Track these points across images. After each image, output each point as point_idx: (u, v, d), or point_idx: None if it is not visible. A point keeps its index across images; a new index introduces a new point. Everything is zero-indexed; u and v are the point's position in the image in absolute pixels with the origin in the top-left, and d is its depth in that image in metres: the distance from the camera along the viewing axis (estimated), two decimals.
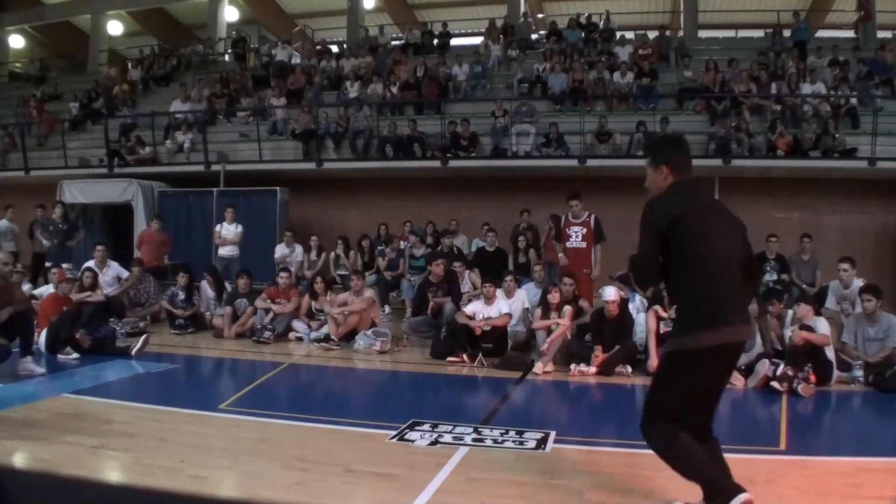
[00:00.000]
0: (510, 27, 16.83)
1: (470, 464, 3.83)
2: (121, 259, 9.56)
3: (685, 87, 13.35)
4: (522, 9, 18.24)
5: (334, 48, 18.54)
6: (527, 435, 4.36)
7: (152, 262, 10.14)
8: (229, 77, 16.23)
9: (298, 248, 10.51)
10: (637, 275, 3.06)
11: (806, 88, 12.50)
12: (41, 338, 6.90)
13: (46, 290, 8.16)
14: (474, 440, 4.25)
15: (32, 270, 10.51)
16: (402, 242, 10.45)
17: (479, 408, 5.55)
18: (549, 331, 6.79)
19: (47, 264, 9.84)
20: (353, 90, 14.76)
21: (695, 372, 2.80)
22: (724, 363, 2.89)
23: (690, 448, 2.81)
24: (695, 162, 3.17)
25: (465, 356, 6.90)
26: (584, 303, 7.39)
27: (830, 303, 7.18)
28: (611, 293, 6.64)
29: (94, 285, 8.10)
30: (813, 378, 5.61)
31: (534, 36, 17.58)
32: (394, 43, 17.95)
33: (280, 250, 10.46)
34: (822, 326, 5.98)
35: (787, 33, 15.17)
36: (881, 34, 15.24)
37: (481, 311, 7.17)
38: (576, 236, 8.13)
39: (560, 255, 8.27)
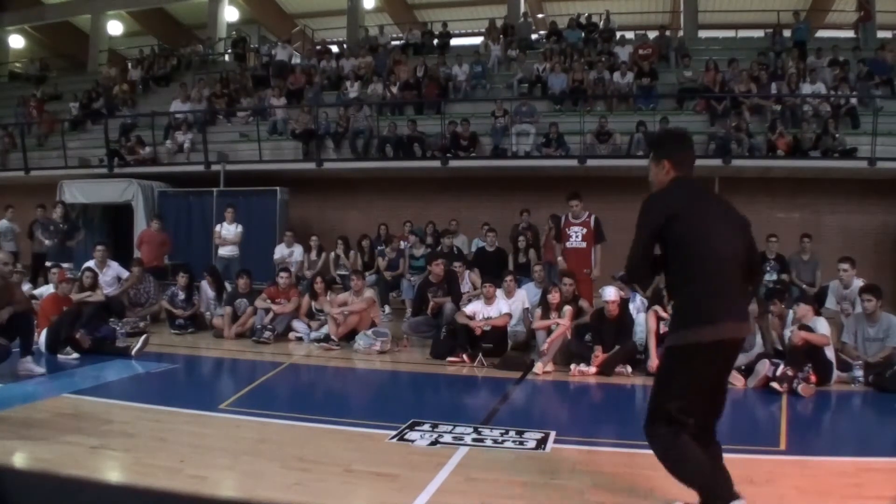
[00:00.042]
0: (510, 27, 16.83)
1: (470, 464, 3.83)
2: (121, 259, 9.56)
3: (685, 87, 13.35)
4: (522, 9, 18.25)
5: (334, 48, 18.54)
6: (527, 435, 4.36)
7: (152, 262, 10.14)
8: (229, 77, 16.23)
9: (298, 248, 10.51)
10: (630, 271, 3.02)
11: (806, 88, 12.51)
12: (41, 338, 6.90)
13: (46, 290, 8.16)
14: (474, 440, 4.25)
15: (32, 270, 10.51)
16: (402, 242, 10.45)
17: (479, 408, 5.55)
18: (549, 331, 6.79)
19: (48, 264, 9.83)
20: (353, 90, 14.76)
21: (693, 367, 2.78)
22: (723, 360, 2.87)
23: (691, 452, 2.79)
24: (695, 162, 3.15)
25: (465, 356, 6.90)
26: (584, 303, 7.39)
27: (830, 303, 7.18)
28: (611, 293, 6.64)
29: (94, 285, 8.10)
30: (813, 378, 5.61)
31: (534, 36, 17.58)
32: (394, 43, 17.95)
33: (279, 251, 10.46)
34: (822, 326, 5.98)
35: (787, 33, 15.18)
36: (881, 34, 15.24)
37: (481, 311, 7.17)
38: (576, 236, 8.13)
39: (559, 258, 8.27)
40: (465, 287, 8.51)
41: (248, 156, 13.56)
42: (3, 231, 11.11)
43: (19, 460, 3.92)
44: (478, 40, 18.03)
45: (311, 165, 12.78)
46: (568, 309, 6.93)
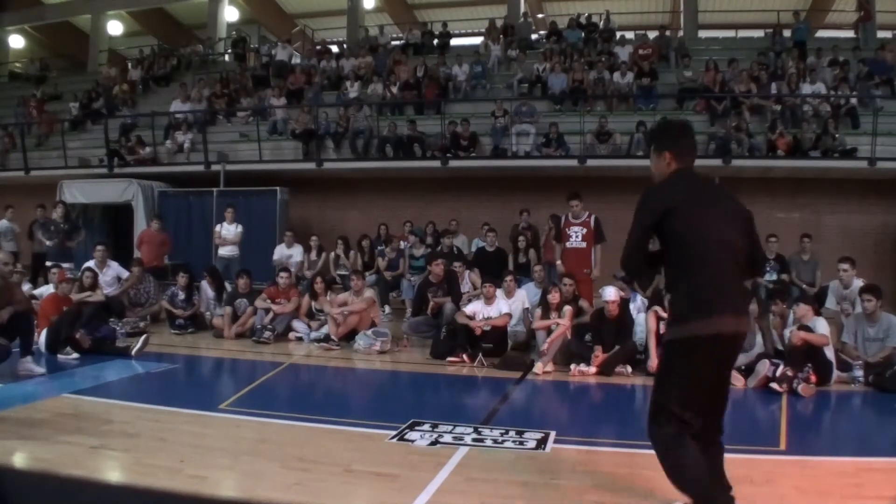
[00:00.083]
0: (510, 27, 16.83)
1: (470, 464, 3.83)
2: (121, 259, 9.56)
3: (685, 87, 13.35)
4: (522, 9, 18.25)
5: (334, 48, 18.54)
6: (527, 435, 4.36)
7: (152, 262, 10.14)
8: (229, 77, 16.23)
9: (298, 248, 10.51)
10: (625, 263, 2.97)
11: (806, 88, 12.51)
12: (41, 338, 6.90)
13: (46, 290, 8.16)
14: (474, 440, 4.25)
15: (32, 270, 10.50)
16: (402, 242, 10.45)
17: (479, 408, 5.55)
18: (549, 331, 6.79)
19: (48, 264, 9.83)
20: (353, 90, 14.76)
21: (690, 361, 2.74)
22: (721, 355, 2.81)
23: (692, 459, 2.74)
24: (695, 162, 3.12)
25: (465, 356, 6.90)
26: (584, 303, 7.39)
27: (830, 303, 7.18)
28: (611, 293, 6.64)
29: (94, 285, 8.10)
30: (813, 378, 5.61)
31: (534, 36, 17.58)
32: (394, 43, 17.95)
33: (278, 252, 10.46)
34: (822, 326, 5.98)
35: (787, 33, 15.18)
36: (881, 34, 15.24)
37: (481, 311, 7.17)
38: (576, 236, 8.13)
39: (557, 262, 8.27)
40: (465, 287, 8.51)
41: (248, 156, 13.57)
42: (3, 231, 11.10)
43: (19, 460, 3.92)
44: (478, 40, 18.03)
45: (311, 165, 12.78)
46: (568, 309, 6.93)
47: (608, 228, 8.09)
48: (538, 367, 6.47)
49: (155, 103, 15.84)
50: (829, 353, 5.93)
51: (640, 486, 3.43)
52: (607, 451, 4.22)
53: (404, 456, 3.97)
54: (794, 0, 17.86)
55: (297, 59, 17.14)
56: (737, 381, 5.69)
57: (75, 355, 6.86)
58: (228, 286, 9.22)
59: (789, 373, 5.63)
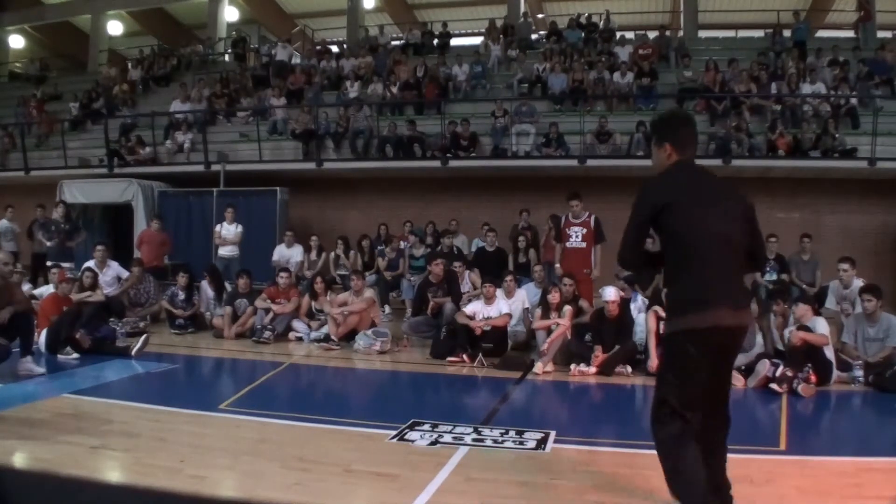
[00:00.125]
0: (510, 27, 16.83)
1: (470, 464, 3.83)
2: (121, 259, 9.56)
3: (685, 87, 13.35)
4: (522, 9, 18.24)
5: (334, 48, 18.54)
6: (527, 435, 4.36)
7: (152, 262, 10.14)
8: (229, 77, 16.23)
9: (298, 248, 10.51)
10: (621, 257, 2.93)
11: (806, 88, 12.50)
12: (41, 338, 6.90)
13: (46, 290, 8.16)
14: (474, 440, 4.25)
15: (32, 270, 10.51)
16: (401, 242, 10.45)
17: (479, 408, 5.55)
18: (549, 331, 6.79)
19: (48, 264, 9.83)
20: (353, 90, 14.76)
21: (689, 354, 2.70)
22: (719, 347, 2.75)
23: (691, 467, 2.69)
24: (697, 144, 3.08)
25: (465, 356, 6.90)
26: (584, 303, 7.39)
27: (830, 303, 7.18)
28: (611, 293, 6.64)
29: (94, 285, 8.10)
30: (813, 378, 5.61)
31: (534, 36, 17.57)
32: (394, 43, 17.95)
33: (277, 253, 10.45)
34: (821, 326, 5.98)
35: (787, 33, 15.17)
36: (881, 34, 15.24)
37: (481, 311, 7.17)
38: (576, 236, 8.13)
39: (556, 265, 8.27)
40: (465, 287, 8.51)
41: (248, 156, 13.57)
42: (3, 231, 11.10)
43: (19, 460, 3.92)
44: (478, 40, 18.03)
45: (311, 165, 12.78)
46: (568, 309, 6.93)
47: (608, 228, 8.08)
48: (538, 367, 6.47)
49: (155, 103, 15.84)
50: (829, 353, 5.93)
51: (640, 486, 3.43)
52: (607, 451, 4.22)
53: (404, 456, 3.97)
54: (794, 0, 17.86)
55: (297, 59, 17.13)
56: (737, 381, 5.69)
57: (75, 355, 6.86)
58: (228, 286, 9.22)
59: (789, 373, 5.63)
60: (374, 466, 3.77)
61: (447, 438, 4.27)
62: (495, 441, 4.25)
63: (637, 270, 2.84)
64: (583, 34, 15.99)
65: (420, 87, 14.35)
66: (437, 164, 12.19)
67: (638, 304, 7.15)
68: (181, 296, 8.81)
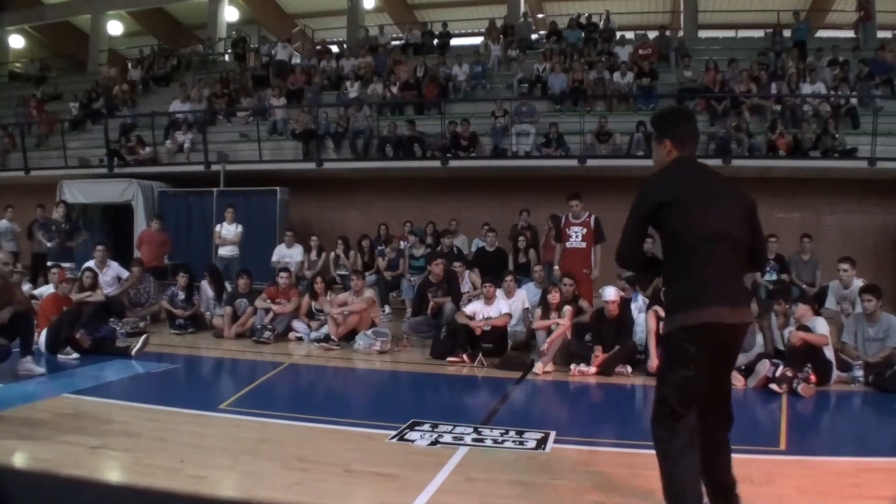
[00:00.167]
0: (510, 27, 16.83)
1: (470, 464, 3.83)
2: (121, 259, 9.56)
3: (685, 87, 13.35)
4: (522, 9, 18.25)
5: (334, 48, 18.54)
6: (527, 435, 4.36)
7: (152, 262, 10.14)
8: (229, 77, 16.23)
9: (298, 248, 10.51)
10: (619, 255, 2.89)
11: (806, 88, 12.51)
12: (41, 338, 6.90)
13: (46, 290, 8.15)
14: (474, 440, 4.25)
15: (32, 270, 10.51)
16: (401, 242, 10.45)
17: (479, 408, 5.55)
18: (549, 331, 6.79)
19: (49, 264, 9.84)
20: (353, 90, 14.76)
21: (686, 352, 2.67)
22: (718, 345, 2.71)
23: (688, 475, 2.66)
24: (698, 140, 3.06)
25: (465, 356, 6.90)
26: (583, 303, 7.39)
27: (830, 303, 7.18)
28: (611, 293, 6.64)
29: (94, 285, 8.10)
30: (812, 378, 5.61)
31: (534, 36, 17.58)
32: (394, 43, 17.95)
33: (277, 253, 10.45)
34: (821, 326, 5.98)
35: (787, 33, 15.18)
36: (881, 34, 15.24)
37: (481, 311, 7.17)
38: (576, 236, 8.13)
39: (555, 267, 8.27)
40: (465, 287, 8.51)
41: (248, 156, 13.57)
42: (3, 231, 11.11)
43: (19, 460, 3.92)
44: (478, 40, 18.03)
45: (311, 165, 12.78)
46: (568, 309, 6.94)
47: (608, 228, 8.08)
48: (538, 367, 6.47)
49: (155, 103, 15.84)
50: (829, 352, 5.93)
51: (640, 486, 3.43)
52: (607, 451, 4.22)
53: (404, 456, 3.97)
54: (794, 0, 17.86)
55: (297, 59, 17.13)
56: (737, 381, 5.69)
57: (75, 355, 6.86)
58: (228, 286, 9.22)
59: (789, 373, 5.63)
60: (374, 466, 3.77)
61: (447, 438, 4.27)
62: (495, 441, 4.25)
63: (634, 270, 2.76)
64: (583, 34, 15.99)
65: (420, 87, 14.35)
66: (437, 164, 12.19)
67: (638, 303, 7.15)
68: (181, 296, 8.81)
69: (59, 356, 6.87)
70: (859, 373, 5.94)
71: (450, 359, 6.97)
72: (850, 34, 16.35)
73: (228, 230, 10.64)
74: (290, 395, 6.11)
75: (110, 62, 19.40)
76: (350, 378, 6.89)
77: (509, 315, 7.17)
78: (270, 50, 17.57)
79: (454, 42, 18.08)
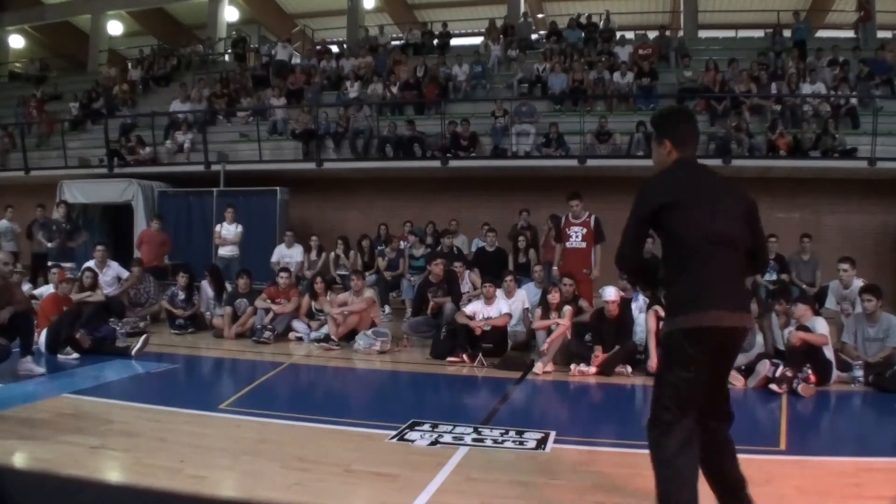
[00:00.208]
0: (510, 27, 16.83)
1: (470, 464, 3.83)
2: (121, 259, 9.56)
3: (685, 87, 13.35)
4: (522, 9, 18.25)
5: (334, 48, 18.54)
6: (527, 435, 4.36)
7: (152, 262, 10.14)
8: (229, 77, 16.23)
9: (298, 249, 10.51)
10: (619, 258, 2.86)
11: (806, 88, 12.51)
12: (41, 338, 6.90)
13: (46, 290, 8.15)
14: (474, 440, 4.25)
15: (32, 270, 10.51)
16: (401, 242, 10.45)
17: (479, 408, 5.55)
18: (549, 331, 6.79)
19: (49, 264, 9.84)
20: (353, 90, 14.76)
21: (685, 354, 2.64)
22: (717, 348, 2.68)
23: (681, 475, 2.61)
24: (698, 141, 3.04)
25: (465, 356, 6.90)
26: (583, 303, 7.39)
27: (830, 303, 7.18)
28: (611, 293, 6.64)
29: (94, 285, 8.10)
30: (812, 378, 5.61)
31: (534, 36, 17.58)
32: (394, 43, 17.95)
33: (277, 253, 10.45)
34: (821, 326, 5.98)
35: (787, 33, 15.18)
36: (881, 34, 15.24)
37: (481, 311, 7.17)
38: (576, 236, 8.13)
39: (554, 268, 8.27)
40: (465, 287, 8.51)
41: (248, 156, 13.57)
42: (3, 231, 11.11)
43: (19, 460, 3.92)
44: (478, 40, 18.03)
45: (311, 165, 12.78)
46: (568, 309, 6.94)
47: (608, 228, 8.08)
48: (538, 367, 6.47)
49: (155, 103, 15.84)
50: (829, 352, 5.93)
51: (640, 486, 3.42)
52: (607, 451, 4.22)
53: (404, 456, 3.97)
54: (794, 0, 17.86)
55: (297, 59, 17.14)
56: (737, 381, 5.70)
57: (75, 355, 6.86)
58: (228, 286, 9.21)
59: (789, 373, 5.63)
60: (374, 466, 3.77)
61: (447, 438, 4.27)
62: (495, 441, 4.25)
63: (634, 273, 2.70)
64: (583, 34, 15.99)
65: (420, 87, 14.35)
66: (437, 164, 12.19)
67: (639, 303, 7.14)
68: (181, 296, 8.81)
69: (59, 356, 6.87)
70: (859, 373, 5.94)
71: (450, 359, 6.97)
72: (850, 34, 16.35)
73: (228, 230, 10.64)
74: (290, 395, 6.11)
75: (110, 62, 19.40)
76: (350, 378, 6.89)
77: (509, 315, 7.17)
78: (270, 50, 17.57)
79: (454, 42, 18.08)
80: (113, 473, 3.82)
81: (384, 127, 13.18)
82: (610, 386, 6.19)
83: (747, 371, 5.92)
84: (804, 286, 8.91)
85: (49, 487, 3.49)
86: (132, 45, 21.20)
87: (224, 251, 10.61)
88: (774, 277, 8.96)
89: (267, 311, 8.22)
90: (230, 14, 20.66)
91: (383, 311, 9.40)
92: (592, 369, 6.40)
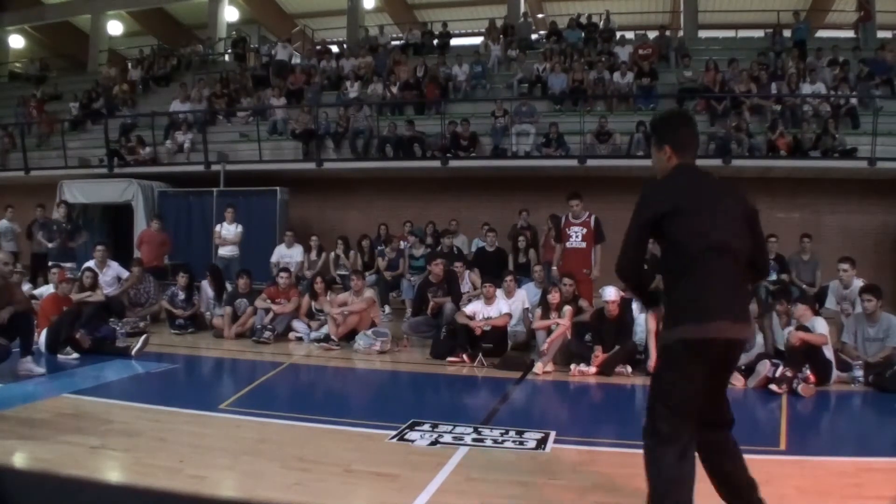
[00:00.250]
0: (510, 27, 16.83)
1: (470, 464, 3.83)
2: (121, 259, 9.56)
3: (685, 87, 13.35)
4: (522, 9, 18.24)
5: (334, 48, 18.54)
6: (527, 435, 4.36)
7: (152, 262, 10.14)
8: (229, 77, 16.23)
9: (298, 249, 10.51)
10: (620, 266, 2.80)
11: (806, 88, 12.51)
12: (41, 338, 6.90)
13: (46, 290, 8.15)
14: (474, 440, 4.25)
15: (32, 270, 10.51)
16: (401, 242, 10.45)
17: (479, 408, 5.55)
18: (549, 331, 6.79)
19: (49, 264, 9.84)
20: (353, 90, 14.76)
21: (683, 367, 2.61)
22: (716, 360, 2.65)
23: (674, 482, 2.57)
24: (699, 145, 3.02)
25: (465, 356, 6.90)
26: (583, 303, 7.39)
27: (830, 303, 7.18)
28: (611, 293, 6.64)
29: (94, 285, 8.10)
30: (811, 378, 5.61)
31: (534, 36, 17.58)
32: (394, 43, 17.95)
33: (277, 253, 10.45)
34: (820, 326, 5.98)
35: (787, 33, 15.18)
36: (881, 34, 15.24)
37: (481, 311, 7.17)
38: (576, 236, 8.12)
39: (553, 269, 8.27)
40: (465, 287, 8.51)
41: (248, 156, 13.57)
42: (3, 231, 11.11)
43: (19, 460, 3.92)
44: (478, 40, 18.03)
45: (311, 165, 12.78)
46: (568, 309, 6.94)
47: (608, 228, 8.08)
48: (538, 367, 6.47)
49: (155, 103, 15.84)
50: (829, 352, 5.94)
51: (640, 487, 3.39)
52: (607, 451, 4.22)
53: (404, 456, 3.97)
54: (794, 0, 17.86)
55: (297, 59, 17.13)
56: (737, 381, 5.70)
57: (75, 355, 6.86)
58: (228, 286, 9.21)
59: (789, 373, 5.63)
60: (374, 466, 3.77)
61: (447, 438, 4.27)
62: (495, 441, 4.25)
63: (635, 282, 2.67)
64: (583, 34, 15.99)
65: (420, 87, 14.35)
66: (437, 164, 12.19)
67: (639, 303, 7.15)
68: (181, 296, 8.81)
69: (59, 356, 6.87)
70: (859, 373, 5.94)
71: (450, 359, 6.97)
72: (850, 34, 16.35)
73: (228, 230, 10.64)
74: (290, 395, 6.11)
75: (110, 62, 19.40)
76: (350, 378, 6.89)
77: (509, 315, 7.17)
78: (270, 50, 17.57)
79: (454, 42, 18.08)
80: (113, 473, 3.82)
81: (384, 127, 13.18)
82: (610, 386, 6.19)
83: (747, 371, 5.92)
84: (804, 286, 8.91)
85: (49, 487, 3.49)
86: (132, 45, 21.20)
87: (224, 251, 10.61)
88: (774, 277, 8.95)
89: (267, 311, 8.22)
90: (230, 14, 20.66)
91: (383, 311, 9.40)
92: (592, 369, 6.40)
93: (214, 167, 13.03)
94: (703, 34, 17.63)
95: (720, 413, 2.81)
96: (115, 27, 21.69)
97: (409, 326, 8.17)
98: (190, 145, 13.70)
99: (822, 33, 17.99)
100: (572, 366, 6.48)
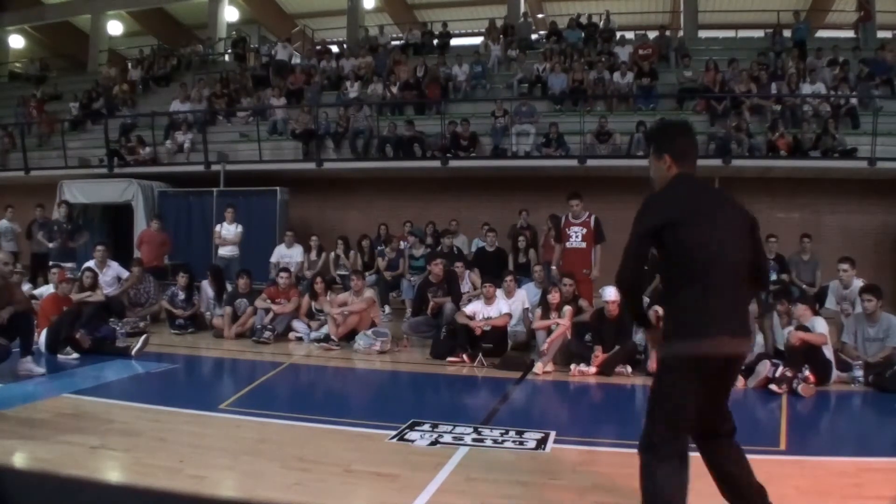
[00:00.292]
0: (510, 27, 16.83)
1: (470, 464, 3.83)
2: (121, 259, 9.56)
3: (685, 87, 13.35)
4: (522, 9, 18.25)
5: (334, 48, 18.54)
6: (527, 435, 4.37)
7: (152, 262, 10.14)
8: (229, 77, 16.23)
9: (298, 249, 10.51)
10: (621, 277, 2.75)
11: (806, 88, 12.51)
12: (41, 338, 6.90)
13: (46, 290, 8.15)
14: (474, 440, 4.26)
15: (32, 270, 10.51)
16: (401, 242, 10.45)
17: (479, 408, 5.55)
18: (549, 331, 6.79)
19: (50, 264, 9.84)
20: (353, 90, 14.76)
21: (682, 381, 2.57)
22: (715, 375, 2.62)
23: (667, 491, 2.54)
24: (698, 155, 2.97)
25: (465, 356, 6.91)
26: (583, 303, 7.39)
27: (830, 303, 7.18)
28: (611, 293, 6.63)
29: (94, 285, 8.10)
30: (811, 378, 5.61)
31: (534, 36, 17.58)
32: (394, 43, 17.95)
33: (277, 254, 10.45)
34: (820, 326, 5.98)
35: (787, 33, 15.18)
36: (881, 34, 15.24)
37: (481, 311, 7.17)
38: (576, 236, 8.12)
39: (553, 269, 8.27)
40: (465, 287, 8.51)
41: (248, 156, 13.56)
42: (3, 231, 11.12)
43: (19, 460, 3.92)
44: (478, 40, 18.03)
45: (311, 165, 12.78)
46: (568, 309, 6.94)
47: (608, 228, 8.08)
48: (538, 367, 6.47)
49: (155, 103, 15.84)
50: (829, 352, 5.94)
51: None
52: (607, 451, 4.22)
53: (404, 456, 3.97)
54: (794, 0, 17.86)
55: (297, 59, 17.14)
56: (737, 381, 5.68)
57: (75, 355, 6.86)
58: (228, 286, 9.22)
59: (789, 373, 5.64)
60: (374, 466, 3.77)
61: (447, 438, 4.27)
62: (495, 441, 4.25)
63: (632, 295, 2.63)
64: (583, 34, 15.98)
65: (420, 87, 14.34)
66: (437, 164, 12.19)
67: None
68: (181, 296, 8.82)
69: (59, 356, 6.87)
70: (859, 373, 5.94)
71: (450, 359, 6.97)
72: (850, 34, 16.35)
73: (228, 230, 10.64)
74: (290, 395, 6.11)
75: (110, 62, 19.40)
76: (350, 378, 6.89)
77: (509, 315, 7.17)
78: (270, 50, 17.58)
79: (454, 42, 18.08)
80: (113, 473, 3.82)
81: (384, 127, 13.18)
82: (610, 386, 6.19)
83: (747, 371, 5.91)
84: (804, 286, 8.91)
85: (49, 487, 3.49)
86: (132, 45, 21.20)
87: (224, 251, 10.61)
88: (774, 277, 8.94)
89: (267, 311, 8.22)
90: (230, 14, 20.66)
91: (383, 311, 9.40)
92: (592, 369, 6.40)
93: (214, 167, 13.03)
94: (703, 34, 17.63)
95: (721, 422, 2.80)
96: (115, 27, 21.69)
97: (409, 326, 8.17)
98: (190, 145, 13.69)
99: (822, 33, 17.99)
100: (572, 366, 6.48)
